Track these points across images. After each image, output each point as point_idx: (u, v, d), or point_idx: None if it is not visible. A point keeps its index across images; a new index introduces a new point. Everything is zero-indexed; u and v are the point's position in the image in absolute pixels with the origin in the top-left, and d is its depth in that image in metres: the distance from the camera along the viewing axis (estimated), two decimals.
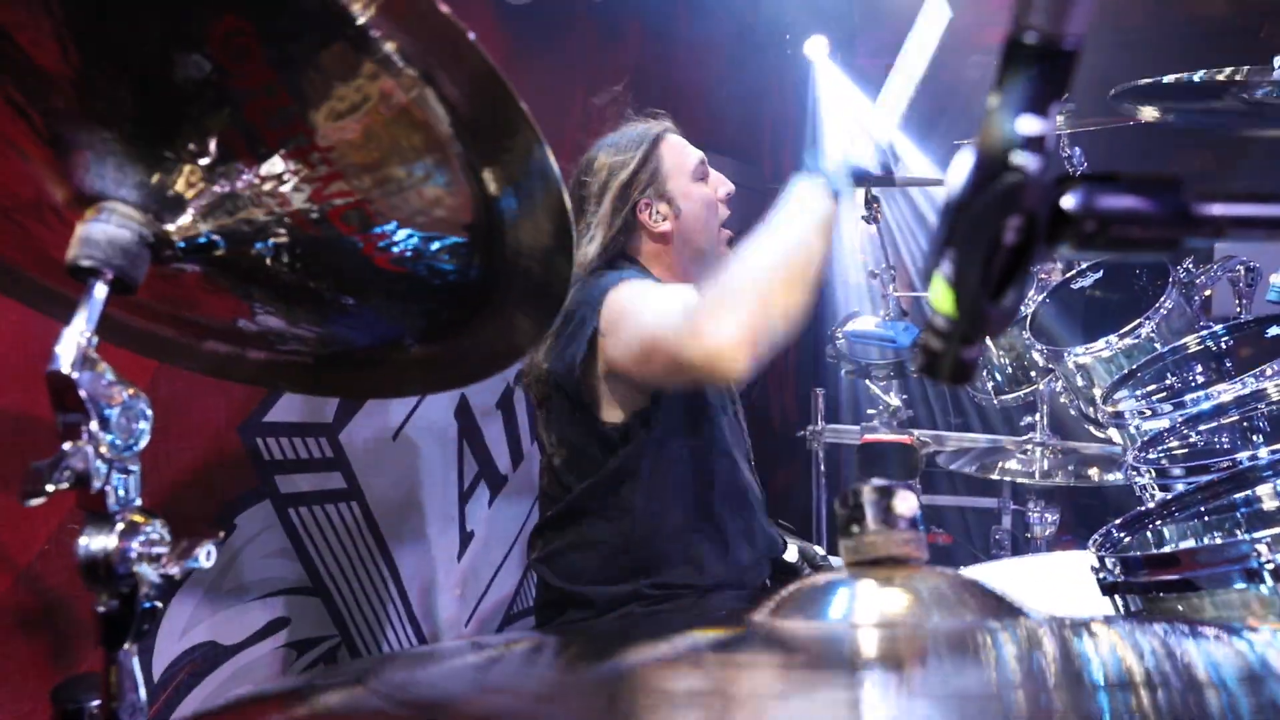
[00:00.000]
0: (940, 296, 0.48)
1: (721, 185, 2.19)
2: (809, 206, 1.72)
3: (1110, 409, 2.19)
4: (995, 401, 3.11)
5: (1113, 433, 2.33)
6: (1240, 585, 1.09)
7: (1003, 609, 0.79)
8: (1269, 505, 1.60)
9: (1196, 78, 2.21)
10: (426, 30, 0.73)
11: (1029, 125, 0.43)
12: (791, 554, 2.33)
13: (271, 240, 0.83)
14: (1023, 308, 2.84)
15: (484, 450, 3.03)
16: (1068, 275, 2.83)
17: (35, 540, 1.82)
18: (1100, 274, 2.76)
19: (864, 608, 0.77)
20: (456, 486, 2.94)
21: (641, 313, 1.85)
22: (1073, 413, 2.67)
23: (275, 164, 0.77)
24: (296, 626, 2.41)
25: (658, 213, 2.11)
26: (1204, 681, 0.67)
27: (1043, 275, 2.93)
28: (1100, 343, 2.41)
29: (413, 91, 0.76)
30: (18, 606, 1.81)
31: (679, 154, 2.14)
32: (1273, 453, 1.50)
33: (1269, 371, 1.82)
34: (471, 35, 0.69)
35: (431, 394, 2.66)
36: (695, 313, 1.65)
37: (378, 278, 0.87)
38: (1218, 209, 0.48)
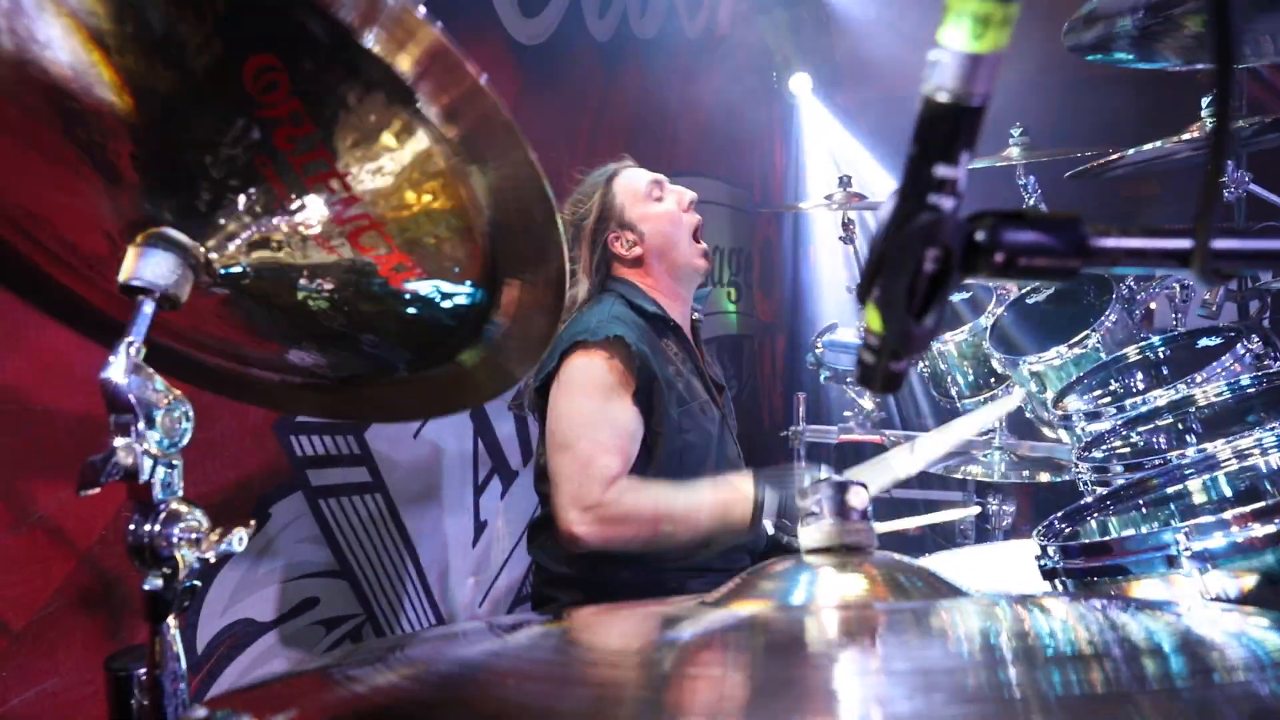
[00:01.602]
0: (871, 317, 0.51)
1: (683, 195, 2.19)
2: (729, 520, 1.81)
3: (1060, 412, 2.21)
4: (960, 405, 3.12)
5: (1062, 433, 2.35)
6: (1162, 570, 1.11)
7: (945, 590, 0.81)
8: (1198, 499, 1.62)
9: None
10: (485, 128, 0.73)
11: (943, 171, 0.46)
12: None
13: (303, 274, 0.85)
14: (984, 320, 2.86)
15: (497, 448, 3.05)
16: (1023, 291, 2.85)
17: (96, 526, 1.85)
18: (1052, 290, 2.78)
19: (823, 591, 0.79)
20: (471, 480, 2.96)
21: (576, 433, 1.91)
22: (1028, 415, 2.69)
23: (308, 201, 0.79)
24: (326, 605, 2.43)
25: (627, 241, 2.15)
26: (1143, 649, 0.68)
27: (1001, 291, 2.95)
28: (1052, 352, 2.43)
29: (452, 161, 0.76)
30: (80, 586, 1.84)
31: (630, 184, 2.17)
32: (1199, 451, 1.52)
33: (1198, 379, 1.84)
34: (532, 155, 0.70)
35: (445, 415, 2.68)
36: (598, 505, 1.82)
37: (397, 304, 0.88)
38: (1111, 242, 0.51)
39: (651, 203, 2.15)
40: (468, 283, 0.85)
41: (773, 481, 1.77)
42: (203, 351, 1.04)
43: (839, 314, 4.89)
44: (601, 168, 2.25)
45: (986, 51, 0.43)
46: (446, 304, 0.87)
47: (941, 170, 0.45)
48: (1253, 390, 1.80)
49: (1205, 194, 0.48)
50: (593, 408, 1.92)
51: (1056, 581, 1.28)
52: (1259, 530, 1.10)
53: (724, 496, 1.83)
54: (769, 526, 1.75)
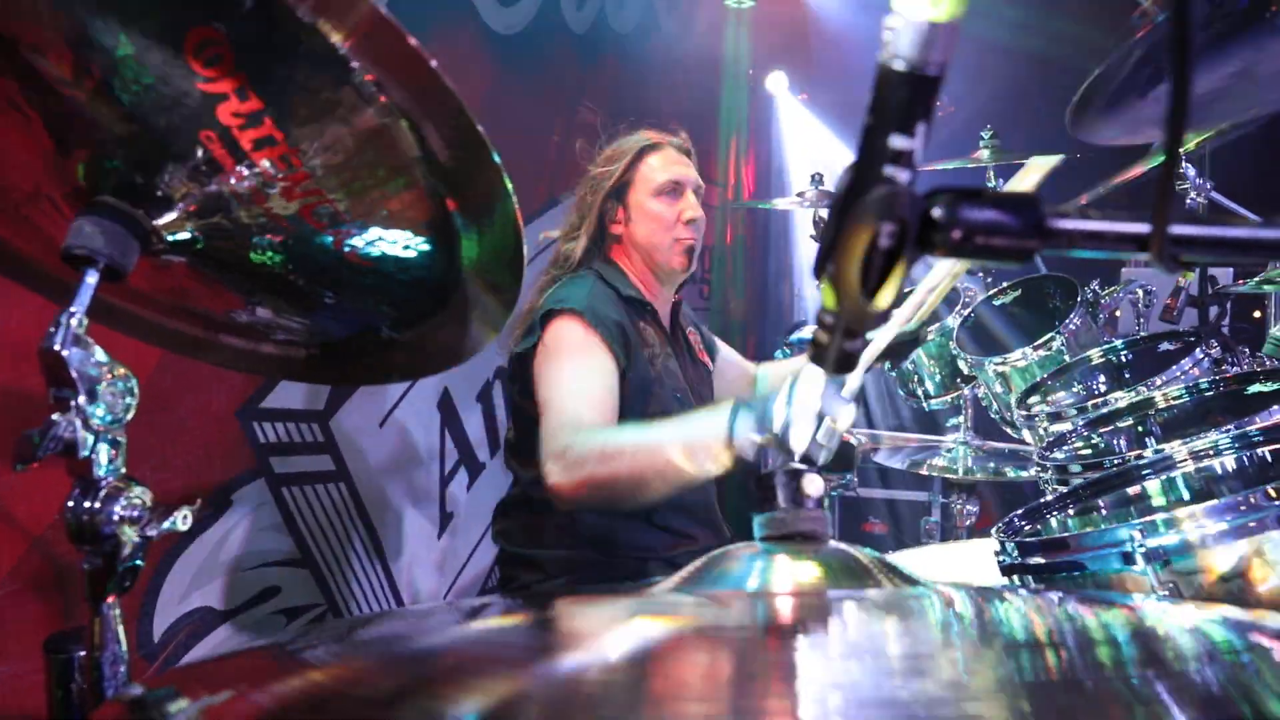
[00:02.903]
0: (827, 294, 0.49)
1: (688, 210, 2.16)
2: (709, 457, 1.54)
3: (1023, 412, 2.22)
4: (926, 405, 3.13)
5: (1026, 433, 2.36)
6: (1117, 566, 1.12)
7: (898, 579, 0.80)
8: (1156, 500, 1.64)
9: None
10: (406, 72, 0.72)
11: (899, 142, 0.44)
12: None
13: (253, 236, 0.82)
14: (951, 321, 2.87)
15: (464, 439, 3.02)
16: (990, 293, 2.87)
17: (48, 512, 1.81)
18: (1019, 293, 2.80)
19: (777, 578, 0.78)
20: (438, 471, 2.93)
21: (554, 391, 1.86)
22: (992, 415, 2.71)
23: (252, 166, 0.77)
24: (287, 595, 2.40)
25: (614, 216, 2.15)
26: (1097, 639, 0.68)
27: (968, 293, 2.96)
28: (1017, 354, 2.45)
29: (385, 119, 0.75)
30: (31, 571, 1.79)
31: (652, 170, 2.15)
32: (1156, 453, 1.53)
33: (1158, 382, 1.86)
34: (445, 79, 0.68)
35: (410, 379, 2.64)
36: (566, 448, 1.69)
37: (350, 272, 0.86)
38: (1069, 224, 0.50)
39: (658, 200, 2.13)
40: (424, 240, 0.83)
41: (750, 403, 1.50)
42: (213, 328, 1.03)
43: (809, 312, 4.91)
44: (642, 134, 2.20)
45: (944, 19, 0.41)
46: (408, 264, 0.86)
47: (897, 141, 0.44)
48: (1210, 394, 1.82)
49: (1162, 177, 0.47)
50: (571, 366, 1.90)
51: (1015, 578, 1.29)
52: (1212, 528, 1.10)
53: (693, 426, 1.60)
54: (749, 451, 1.44)
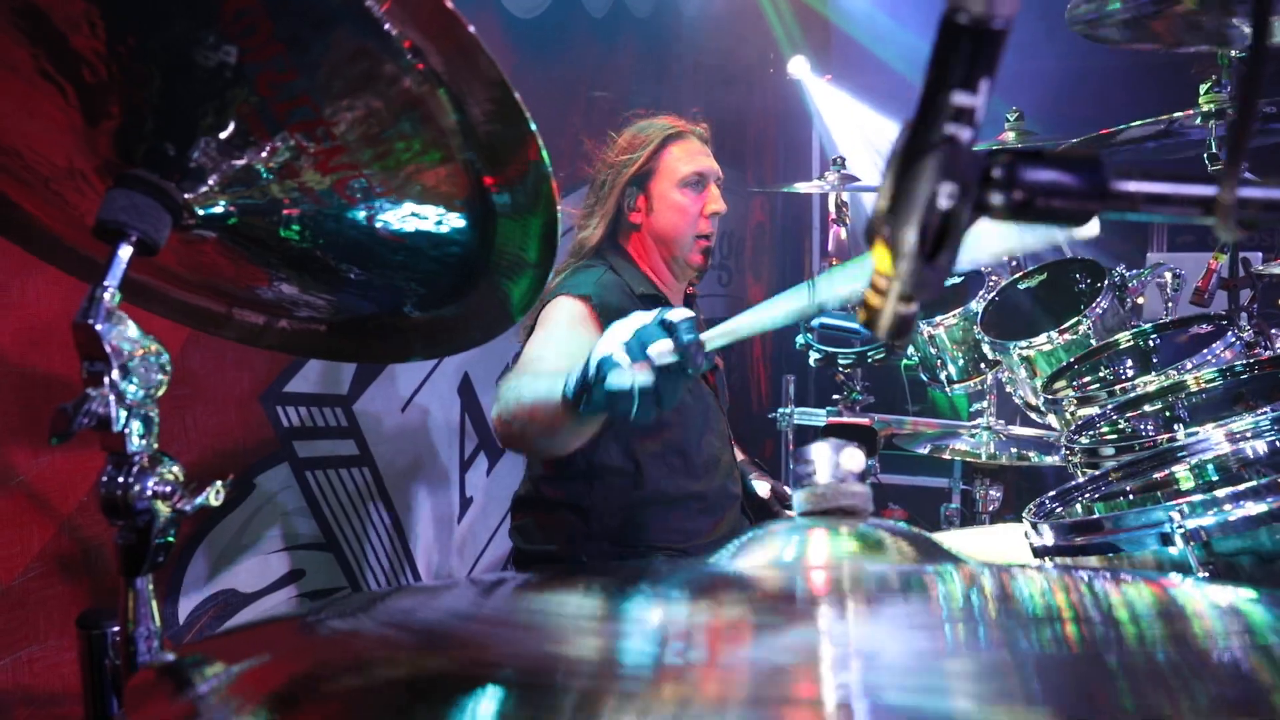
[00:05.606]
0: (880, 257, 0.48)
1: (711, 203, 2.13)
2: (563, 406, 1.41)
3: (1049, 397, 2.19)
4: (949, 390, 3.11)
5: (1051, 418, 2.33)
6: (1154, 548, 1.10)
7: (939, 555, 0.79)
8: (1185, 485, 1.61)
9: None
10: (445, 37, 0.71)
11: (961, 99, 0.43)
12: (763, 490, 2.32)
13: (284, 210, 0.82)
14: (975, 305, 2.84)
15: (484, 424, 3.02)
16: (1015, 277, 2.84)
17: (76, 493, 1.82)
18: (1044, 276, 2.77)
19: (816, 551, 0.77)
20: (458, 456, 2.93)
21: (525, 351, 1.88)
22: (1017, 400, 2.68)
23: (286, 139, 0.76)
24: (311, 578, 2.41)
25: (634, 205, 2.11)
26: (1123, 617, 0.67)
27: (993, 278, 2.93)
28: (1042, 338, 2.41)
29: (422, 88, 0.74)
30: (59, 551, 1.81)
31: (677, 160, 2.11)
32: (1189, 435, 1.50)
33: (1188, 366, 1.83)
34: (474, 32, 0.67)
35: (433, 359, 2.64)
36: (499, 389, 1.67)
37: (381, 247, 0.86)
38: (1133, 185, 0.48)
39: (682, 191, 2.09)
40: (458, 215, 0.82)
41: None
42: (234, 303, 1.02)
43: None
44: (669, 120, 2.15)
45: None
46: (440, 240, 0.85)
47: (959, 98, 0.43)
48: (1244, 376, 1.79)
49: (1235, 135, 0.45)
50: (551, 333, 1.89)
51: (1047, 560, 1.27)
52: (1252, 509, 1.08)
53: (565, 396, 1.40)
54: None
